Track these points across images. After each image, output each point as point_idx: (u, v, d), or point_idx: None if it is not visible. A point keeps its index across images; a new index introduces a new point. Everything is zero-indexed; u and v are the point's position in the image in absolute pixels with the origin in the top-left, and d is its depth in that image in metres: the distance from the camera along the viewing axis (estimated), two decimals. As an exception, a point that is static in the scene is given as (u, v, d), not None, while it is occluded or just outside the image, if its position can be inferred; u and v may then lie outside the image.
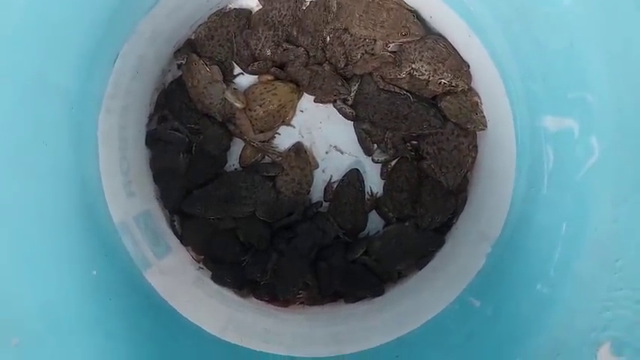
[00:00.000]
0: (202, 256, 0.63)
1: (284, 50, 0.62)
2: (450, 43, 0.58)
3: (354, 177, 0.62)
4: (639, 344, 0.34)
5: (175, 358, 0.49)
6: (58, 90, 0.42)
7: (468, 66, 0.58)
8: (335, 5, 0.61)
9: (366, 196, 0.63)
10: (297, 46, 0.62)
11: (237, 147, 0.64)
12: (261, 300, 0.63)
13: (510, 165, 0.50)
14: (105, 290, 0.46)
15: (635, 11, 0.34)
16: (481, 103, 0.59)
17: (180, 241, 0.62)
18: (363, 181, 0.62)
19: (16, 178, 0.42)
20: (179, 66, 0.63)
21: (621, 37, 0.36)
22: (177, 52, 0.62)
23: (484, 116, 0.59)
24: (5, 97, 0.39)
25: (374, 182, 0.64)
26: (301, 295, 0.63)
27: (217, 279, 0.62)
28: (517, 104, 0.49)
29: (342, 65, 0.61)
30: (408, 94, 0.60)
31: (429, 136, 0.61)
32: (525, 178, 0.49)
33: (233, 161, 0.64)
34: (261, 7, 0.63)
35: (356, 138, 0.63)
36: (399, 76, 0.60)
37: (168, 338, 0.49)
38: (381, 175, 0.63)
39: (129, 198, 0.56)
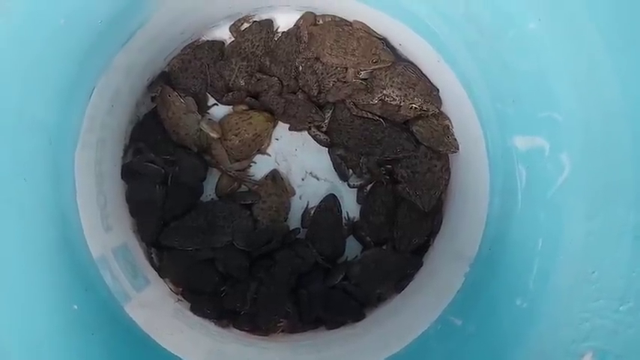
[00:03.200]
0: (181, 288, 0.63)
1: (257, 80, 0.63)
2: (419, 69, 0.60)
3: (330, 202, 0.63)
4: (620, 352, 0.35)
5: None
6: (36, 124, 0.42)
7: (438, 90, 0.60)
8: (306, 35, 0.62)
9: (344, 221, 0.64)
10: (271, 76, 0.63)
11: (213, 177, 0.64)
12: (242, 330, 0.63)
13: (484, 185, 0.51)
14: (86, 325, 0.45)
15: (596, 33, 0.36)
16: (452, 127, 0.61)
17: (159, 273, 0.62)
18: (340, 206, 0.63)
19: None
20: (153, 98, 0.63)
21: (585, 57, 0.38)
22: (151, 85, 0.63)
23: (455, 139, 0.60)
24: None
25: (350, 207, 0.64)
26: (282, 324, 0.63)
27: (197, 310, 0.62)
28: (488, 126, 0.50)
29: (315, 93, 0.63)
30: (381, 119, 0.62)
31: (403, 160, 0.62)
32: (499, 197, 0.50)
33: (209, 191, 0.64)
34: (233, 39, 0.64)
35: (331, 164, 0.64)
36: (371, 102, 0.61)
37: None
38: (358, 199, 0.64)
39: (107, 232, 0.56)
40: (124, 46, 0.52)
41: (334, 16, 0.62)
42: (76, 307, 0.44)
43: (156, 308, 0.57)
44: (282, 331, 0.63)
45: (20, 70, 0.40)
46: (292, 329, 0.63)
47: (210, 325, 0.61)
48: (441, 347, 0.47)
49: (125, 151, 0.62)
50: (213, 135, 0.62)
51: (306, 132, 0.64)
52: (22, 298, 0.43)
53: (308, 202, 0.64)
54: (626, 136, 0.35)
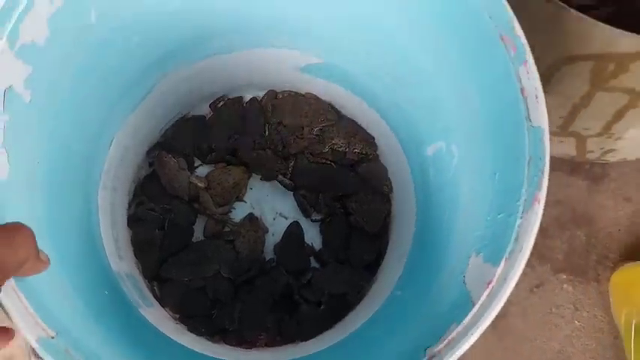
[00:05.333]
0: (178, 315, 0.76)
1: (235, 141, 0.80)
2: (358, 123, 0.79)
3: (294, 227, 0.78)
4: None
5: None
6: (79, 159, 0.58)
7: (374, 138, 0.78)
8: (270, 106, 0.81)
9: (307, 245, 0.79)
10: (245, 137, 0.80)
11: (201, 221, 0.79)
12: (231, 345, 0.75)
13: (411, 195, 0.68)
14: (111, 311, 0.58)
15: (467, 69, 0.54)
16: (386, 168, 0.78)
17: (160, 303, 0.75)
18: (302, 230, 0.78)
19: (49, 231, 0.54)
20: (151, 164, 0.80)
21: (460, 88, 0.55)
22: (150, 151, 0.79)
23: (389, 179, 0.78)
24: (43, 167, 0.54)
25: (314, 238, 0.79)
26: (262, 337, 0.75)
27: (193, 330, 0.74)
28: (408, 148, 0.68)
29: (280, 148, 0.80)
30: (332, 163, 0.79)
31: (352, 196, 0.79)
32: (422, 202, 0.67)
33: (199, 233, 0.79)
34: (212, 113, 0.82)
35: (296, 204, 0.80)
36: (323, 151, 0.79)
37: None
38: (320, 231, 0.80)
39: (120, 260, 0.69)
40: (134, 111, 0.69)
41: (290, 91, 0.81)
42: (106, 292, 0.57)
43: (161, 322, 0.69)
44: (265, 344, 0.76)
45: (70, 112, 0.56)
46: (272, 343, 0.76)
47: (205, 342, 0.73)
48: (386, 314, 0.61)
49: (129, 205, 0.77)
50: (201, 185, 0.78)
51: (275, 180, 0.81)
52: (59, 290, 0.53)
53: (279, 237, 0.79)
54: (486, 129, 0.52)
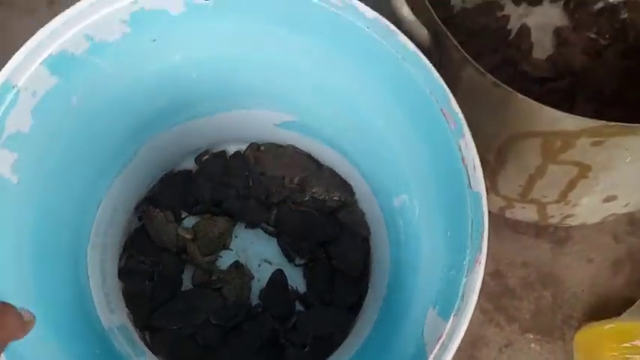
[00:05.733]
0: (170, 362, 0.79)
1: (219, 192, 0.84)
2: (336, 172, 0.83)
3: (278, 274, 0.82)
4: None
5: None
6: (64, 223, 0.62)
7: (351, 185, 0.82)
8: (252, 159, 0.85)
9: (291, 289, 0.82)
10: (230, 188, 0.84)
11: (189, 270, 0.83)
12: (221, 389, 0.78)
13: (385, 241, 0.72)
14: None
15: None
16: (364, 213, 0.82)
17: (152, 351, 0.78)
18: (286, 276, 0.82)
19: (39, 301, 0.57)
20: (140, 218, 0.84)
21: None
22: (138, 206, 0.84)
23: (366, 222, 0.82)
24: (33, 229, 0.59)
25: (298, 282, 0.83)
26: (252, 379, 0.79)
27: (185, 376, 0.78)
28: (381, 203, 0.72)
29: (263, 198, 0.84)
30: (313, 211, 0.83)
31: (333, 241, 0.83)
32: (395, 251, 0.71)
33: (187, 282, 0.83)
34: (197, 167, 0.86)
35: (280, 250, 0.84)
36: (304, 199, 0.83)
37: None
38: (304, 275, 0.84)
39: (111, 313, 0.73)
40: (120, 173, 0.73)
41: (272, 143, 0.86)
42: (97, 351, 0.61)
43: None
44: (254, 386, 0.79)
45: (57, 184, 0.60)
46: (261, 385, 0.79)
47: (195, 387, 0.77)
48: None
49: (120, 258, 0.81)
50: (188, 237, 0.82)
51: (259, 228, 0.85)
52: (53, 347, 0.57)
53: (265, 283, 0.83)
54: (438, 188, 0.56)
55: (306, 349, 0.80)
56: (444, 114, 0.48)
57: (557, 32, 0.86)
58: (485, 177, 0.48)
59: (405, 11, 0.56)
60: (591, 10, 0.86)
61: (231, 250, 0.84)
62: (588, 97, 0.81)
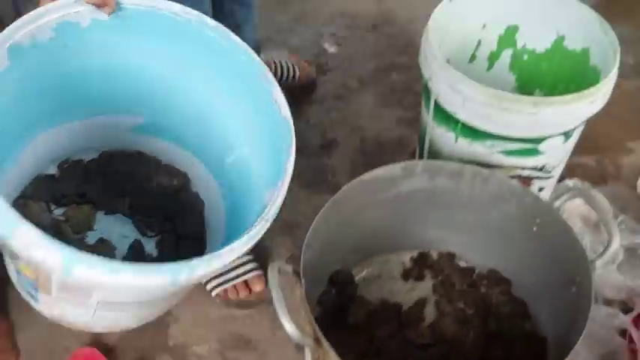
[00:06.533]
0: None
1: (81, 187, 1.09)
2: (174, 165, 1.14)
3: (136, 243, 1.02)
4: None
5: None
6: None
7: (186, 173, 1.14)
8: (105, 163, 1.12)
9: (147, 254, 1.09)
10: (90, 184, 1.09)
11: (63, 248, 1.04)
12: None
13: (220, 204, 1.05)
14: None
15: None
16: (197, 192, 1.14)
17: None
18: (143, 245, 1.08)
19: None
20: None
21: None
22: (15, 202, 1.04)
23: (201, 198, 1.13)
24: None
25: (152, 250, 1.09)
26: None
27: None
28: (214, 170, 1.06)
29: (118, 189, 1.11)
30: (160, 194, 1.12)
31: (177, 215, 1.12)
32: (228, 200, 1.04)
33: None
34: (59, 173, 1.10)
35: (135, 228, 1.10)
36: (152, 186, 1.12)
37: None
38: (156, 245, 1.10)
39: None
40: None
41: (123, 150, 1.13)
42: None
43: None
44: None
45: None
46: None
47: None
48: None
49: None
50: (62, 219, 1.04)
51: (117, 213, 1.10)
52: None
53: None
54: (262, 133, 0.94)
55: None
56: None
57: (437, 304, 0.96)
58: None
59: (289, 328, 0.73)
60: (459, 287, 0.97)
61: (96, 230, 1.07)
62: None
